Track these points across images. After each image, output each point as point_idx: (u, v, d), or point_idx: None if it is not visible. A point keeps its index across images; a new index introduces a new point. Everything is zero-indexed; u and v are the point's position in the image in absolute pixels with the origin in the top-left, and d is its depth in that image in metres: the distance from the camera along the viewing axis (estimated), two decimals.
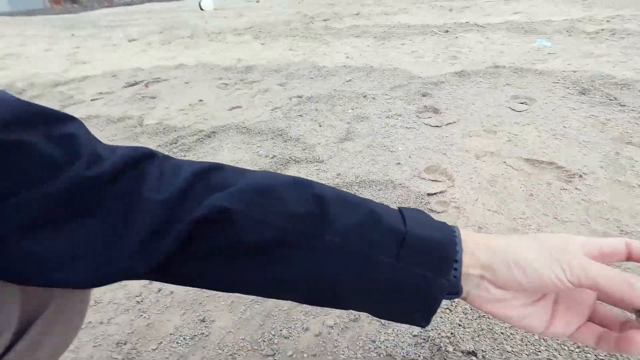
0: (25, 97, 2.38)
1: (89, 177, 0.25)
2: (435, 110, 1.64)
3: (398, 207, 0.32)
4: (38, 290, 0.28)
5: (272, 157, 1.36)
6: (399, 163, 1.26)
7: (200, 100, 2.05)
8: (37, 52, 3.93)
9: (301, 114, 1.72)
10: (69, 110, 2.06)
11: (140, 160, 0.29)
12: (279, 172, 1.26)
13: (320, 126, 1.58)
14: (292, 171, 1.28)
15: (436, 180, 1.16)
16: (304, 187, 0.31)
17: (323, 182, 1.18)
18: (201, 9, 6.99)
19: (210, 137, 1.58)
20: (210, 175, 0.30)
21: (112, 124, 1.82)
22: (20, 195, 0.23)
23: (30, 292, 0.27)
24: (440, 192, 1.10)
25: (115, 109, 2.03)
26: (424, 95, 1.80)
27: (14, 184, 0.23)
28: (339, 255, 0.29)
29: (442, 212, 1.01)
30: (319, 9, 5.57)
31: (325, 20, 4.47)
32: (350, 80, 2.14)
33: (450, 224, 0.32)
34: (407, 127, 1.50)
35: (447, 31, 3.17)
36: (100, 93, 2.32)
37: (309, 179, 0.33)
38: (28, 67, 3.25)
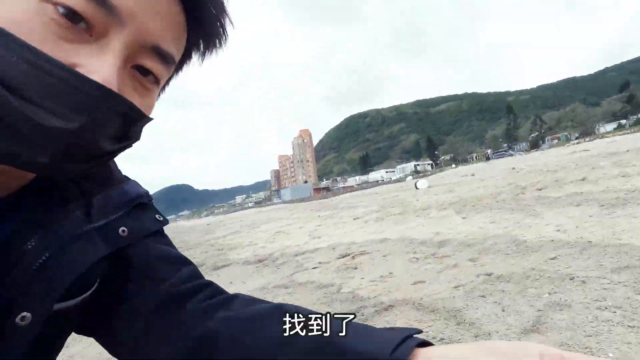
0: (277, 263, 3.31)
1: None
2: None
3: None
4: None
5: (439, 340, 1.30)
6: None
7: (390, 273, 2.26)
8: (294, 230, 5.49)
9: (484, 295, 1.60)
10: (297, 275, 2.70)
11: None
12: None
13: (503, 311, 1.42)
14: None
15: None
16: None
17: None
18: (416, 187, 8.04)
19: (387, 310, 1.68)
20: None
21: (319, 289, 2.26)
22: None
23: None
24: None
25: (326, 276, 2.52)
26: None
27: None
28: None
29: None
30: (536, 178, 5.33)
31: (539, 189, 4.21)
32: (554, 257, 1.86)
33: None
34: (629, 326, 1.13)
35: None
36: (320, 263, 2.96)
37: None
38: (285, 240, 4.58)
